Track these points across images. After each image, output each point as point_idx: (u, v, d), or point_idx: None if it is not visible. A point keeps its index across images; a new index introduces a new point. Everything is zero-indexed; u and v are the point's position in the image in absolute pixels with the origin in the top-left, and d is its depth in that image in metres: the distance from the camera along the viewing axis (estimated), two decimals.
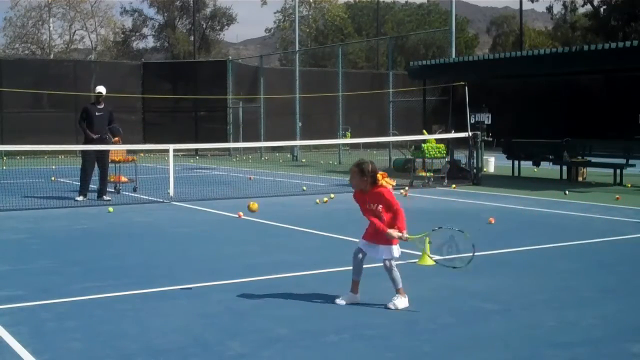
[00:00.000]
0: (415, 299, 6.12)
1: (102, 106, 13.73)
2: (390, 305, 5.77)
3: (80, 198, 13.46)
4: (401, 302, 5.80)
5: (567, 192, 14.52)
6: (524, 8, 42.38)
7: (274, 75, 34.21)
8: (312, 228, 10.06)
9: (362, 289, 6.48)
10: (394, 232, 5.80)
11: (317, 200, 13.17)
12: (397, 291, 5.85)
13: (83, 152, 13.81)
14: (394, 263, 5.91)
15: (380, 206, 5.88)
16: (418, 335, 5.13)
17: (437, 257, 6.16)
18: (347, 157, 27.48)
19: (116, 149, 14.62)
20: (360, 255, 6.02)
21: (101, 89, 13.89)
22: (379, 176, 5.86)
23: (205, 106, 32.59)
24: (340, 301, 5.93)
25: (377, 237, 5.90)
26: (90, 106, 13.81)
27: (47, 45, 53.18)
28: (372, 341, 4.98)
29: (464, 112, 17.59)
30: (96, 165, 13.63)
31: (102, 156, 13.68)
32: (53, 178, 17.60)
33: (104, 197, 13.51)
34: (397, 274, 5.87)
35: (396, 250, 5.91)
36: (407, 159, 19.65)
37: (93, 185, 13.92)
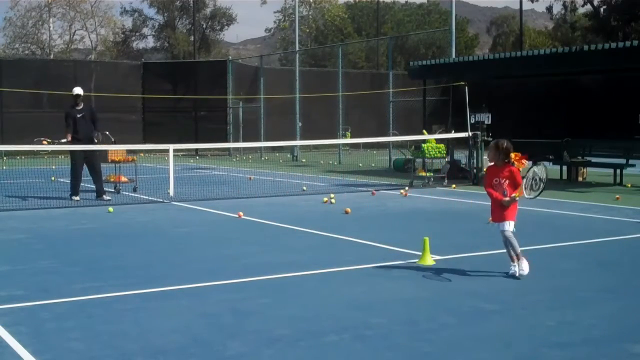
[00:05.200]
0: (415, 299, 6.13)
1: (80, 107, 13.64)
2: (517, 271, 6.76)
3: (77, 198, 13.46)
4: (524, 265, 6.79)
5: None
6: (524, 8, 42.31)
7: (274, 75, 34.20)
8: (312, 228, 10.05)
9: (362, 289, 6.49)
10: (506, 199, 6.75)
11: (325, 199, 13.15)
12: (516, 257, 6.82)
13: (71, 152, 13.73)
14: (510, 233, 6.79)
15: (507, 182, 6.76)
16: (418, 335, 5.13)
17: (532, 195, 6.90)
18: (347, 157, 27.52)
19: (114, 149, 14.62)
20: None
21: (79, 90, 13.75)
22: (512, 155, 6.78)
23: (205, 106, 32.59)
24: (523, 272, 6.81)
25: (500, 216, 6.84)
26: (71, 110, 13.66)
27: (47, 45, 53.16)
28: (372, 341, 4.98)
29: (464, 112, 17.59)
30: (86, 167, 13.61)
31: (91, 157, 13.61)
32: (53, 178, 17.60)
33: (104, 196, 13.50)
34: (514, 241, 6.79)
35: (509, 225, 6.80)
36: (407, 159, 19.65)
37: (89, 185, 13.95)
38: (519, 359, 4.66)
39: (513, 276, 6.81)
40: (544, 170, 6.89)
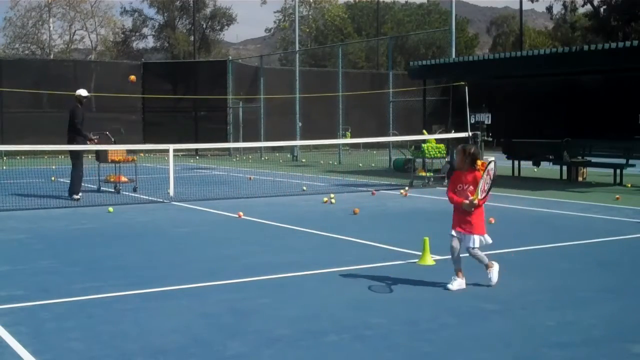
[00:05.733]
0: (415, 299, 6.13)
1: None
2: (490, 283, 6.45)
3: (79, 197, 13.55)
4: (494, 273, 6.49)
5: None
6: (524, 8, 42.35)
7: (274, 75, 34.21)
8: (312, 228, 10.06)
9: (362, 289, 6.49)
10: (465, 201, 6.35)
11: (325, 199, 13.18)
12: (486, 266, 6.51)
13: (79, 152, 13.83)
14: (477, 251, 6.47)
15: (472, 188, 6.41)
16: (418, 335, 5.13)
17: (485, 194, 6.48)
18: (347, 157, 27.52)
19: (114, 149, 14.76)
20: (456, 246, 6.47)
21: (87, 93, 14.16)
22: (479, 162, 6.50)
23: (205, 106, 32.61)
24: (451, 286, 6.40)
25: (467, 227, 6.42)
26: (80, 109, 13.92)
27: (47, 45, 53.17)
28: (372, 341, 4.98)
29: (464, 112, 17.58)
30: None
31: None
32: (53, 178, 17.61)
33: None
34: (481, 255, 6.49)
35: (478, 240, 6.43)
36: (407, 159, 19.65)
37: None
38: (519, 359, 4.66)
39: (445, 287, 6.42)
40: (493, 166, 6.52)
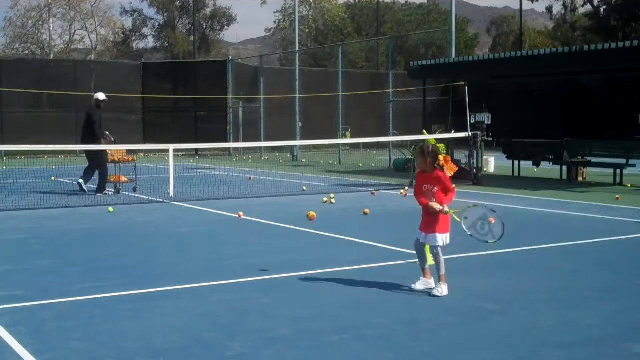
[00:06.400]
0: (415, 299, 6.13)
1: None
2: (436, 293, 6.15)
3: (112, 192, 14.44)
4: (444, 289, 6.18)
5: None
6: (524, 8, 42.44)
7: (274, 75, 34.22)
8: (312, 228, 10.05)
9: (362, 289, 6.49)
10: (436, 205, 6.16)
11: (325, 199, 13.18)
12: (439, 278, 6.26)
13: (103, 152, 14.52)
14: (439, 250, 6.23)
15: (437, 188, 6.26)
16: (418, 335, 5.13)
17: (471, 232, 6.34)
18: (347, 157, 27.52)
19: (114, 149, 14.95)
20: (420, 246, 6.37)
21: (104, 96, 14.69)
22: (441, 157, 6.31)
23: (205, 106, 32.62)
24: (415, 286, 6.32)
25: (428, 227, 6.24)
26: (99, 112, 14.50)
27: (47, 45, 53.17)
28: (372, 341, 4.98)
29: (464, 112, 17.58)
30: (91, 164, 14.60)
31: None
32: (53, 178, 17.61)
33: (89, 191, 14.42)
34: (441, 260, 6.23)
35: (441, 239, 6.20)
36: (407, 159, 19.65)
37: (90, 185, 14.59)
38: (518, 359, 4.66)
39: (410, 289, 6.34)
40: (500, 228, 6.25)
